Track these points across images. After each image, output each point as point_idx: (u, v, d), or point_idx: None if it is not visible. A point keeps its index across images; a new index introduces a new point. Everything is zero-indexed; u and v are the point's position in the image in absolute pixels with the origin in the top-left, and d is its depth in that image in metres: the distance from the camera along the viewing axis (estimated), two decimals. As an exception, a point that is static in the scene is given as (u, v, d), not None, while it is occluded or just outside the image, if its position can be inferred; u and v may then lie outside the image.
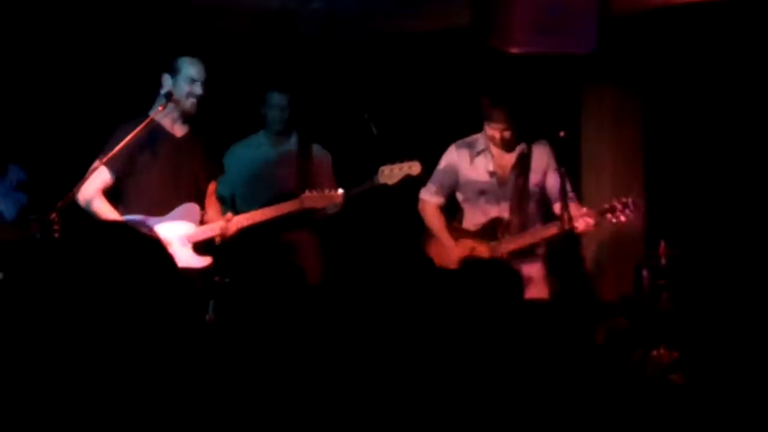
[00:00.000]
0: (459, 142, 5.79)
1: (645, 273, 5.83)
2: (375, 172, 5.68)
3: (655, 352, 5.41)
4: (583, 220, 5.43)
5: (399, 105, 6.79)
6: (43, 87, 6.39)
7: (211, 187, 5.56)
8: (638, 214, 5.60)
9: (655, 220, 6.54)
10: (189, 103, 5.32)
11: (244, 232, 5.54)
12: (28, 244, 4.20)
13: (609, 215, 5.50)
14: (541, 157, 5.70)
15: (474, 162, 5.71)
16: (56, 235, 4.88)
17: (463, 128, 5.98)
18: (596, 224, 5.54)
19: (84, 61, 6.43)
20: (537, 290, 5.56)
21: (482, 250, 5.59)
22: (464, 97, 6.17)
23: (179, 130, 5.45)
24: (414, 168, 5.65)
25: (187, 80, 5.28)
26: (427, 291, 2.85)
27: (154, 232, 5.05)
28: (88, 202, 5.28)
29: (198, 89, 5.29)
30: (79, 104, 6.46)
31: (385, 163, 5.63)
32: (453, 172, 5.76)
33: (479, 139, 5.73)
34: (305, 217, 5.92)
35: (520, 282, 3.87)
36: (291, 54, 6.58)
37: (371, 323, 2.79)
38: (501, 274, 3.82)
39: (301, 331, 3.08)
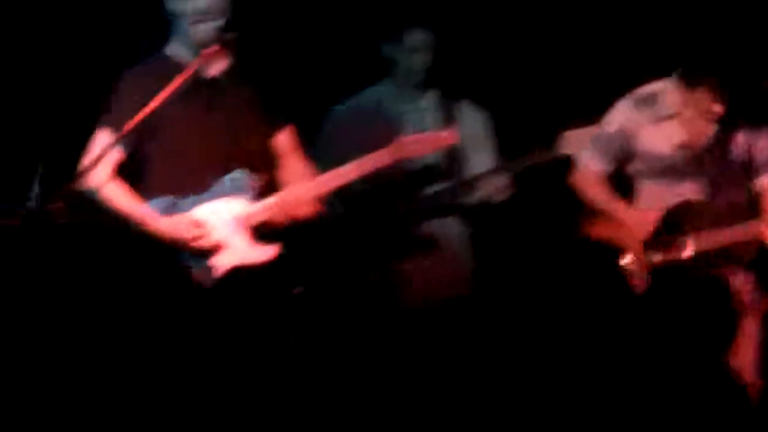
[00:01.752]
0: (635, 96, 4.66)
1: None
2: (552, 138, 4.69)
3: None
4: None
5: (573, 42, 5.55)
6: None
7: (287, 139, 4.40)
8: None
9: None
10: (199, 31, 4.16)
11: (353, 217, 4.71)
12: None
13: None
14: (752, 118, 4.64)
15: (658, 127, 4.63)
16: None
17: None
18: None
19: None
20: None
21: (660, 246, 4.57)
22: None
23: (213, 68, 4.27)
24: None
25: (193, 12, 4.15)
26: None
27: (189, 223, 4.16)
28: (95, 189, 4.21)
29: (209, 28, 4.14)
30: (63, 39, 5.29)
31: (567, 126, 4.67)
32: (625, 137, 4.67)
33: (664, 94, 4.59)
34: (449, 203, 4.90)
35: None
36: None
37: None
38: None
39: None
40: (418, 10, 5.00)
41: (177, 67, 4.12)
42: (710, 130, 4.60)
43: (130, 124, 4.00)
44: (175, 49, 4.23)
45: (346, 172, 4.30)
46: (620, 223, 4.63)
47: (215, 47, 4.13)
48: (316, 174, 4.37)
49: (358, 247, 4.78)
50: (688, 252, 4.50)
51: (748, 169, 4.61)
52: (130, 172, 4.27)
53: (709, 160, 4.60)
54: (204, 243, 4.08)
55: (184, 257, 4.10)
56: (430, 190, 4.81)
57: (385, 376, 4.70)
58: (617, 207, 4.65)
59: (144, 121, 4.04)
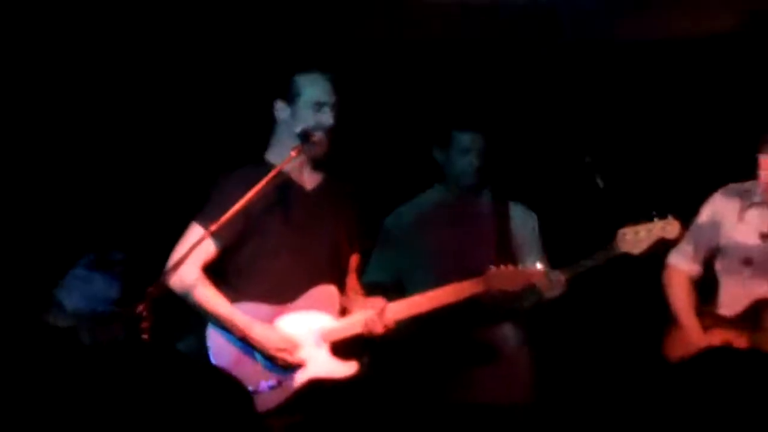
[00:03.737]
0: (729, 187, 4.74)
1: None
2: (610, 237, 4.53)
3: None
4: None
5: (637, 141, 5.54)
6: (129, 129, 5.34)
7: (354, 261, 4.42)
8: None
9: None
10: (318, 138, 4.20)
11: (418, 328, 4.46)
12: (107, 353, 3.72)
13: None
14: None
15: (744, 218, 4.66)
16: (144, 336, 3.79)
17: (735, 174, 4.80)
18: None
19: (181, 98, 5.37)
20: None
21: (741, 343, 4.56)
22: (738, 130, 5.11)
23: (310, 180, 4.31)
24: (670, 228, 4.50)
25: (309, 106, 4.17)
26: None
27: (281, 337, 4.13)
28: (184, 285, 4.11)
29: (327, 118, 4.17)
30: (169, 149, 5.38)
31: (624, 224, 4.52)
32: (716, 228, 4.71)
33: (756, 187, 4.65)
34: (509, 307, 4.69)
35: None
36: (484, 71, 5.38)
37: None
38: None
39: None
40: (467, 112, 4.93)
41: (278, 176, 4.09)
42: None
43: (221, 221, 3.94)
44: (274, 156, 4.19)
45: (435, 298, 4.26)
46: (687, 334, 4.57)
47: (300, 148, 4.08)
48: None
49: (422, 358, 4.64)
50: None
51: None
52: (218, 273, 4.17)
53: None
54: (288, 359, 4.03)
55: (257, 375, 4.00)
56: (482, 298, 4.57)
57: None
58: (687, 319, 4.60)
59: (238, 223, 4.04)
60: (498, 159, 4.89)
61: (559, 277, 4.56)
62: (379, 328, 4.14)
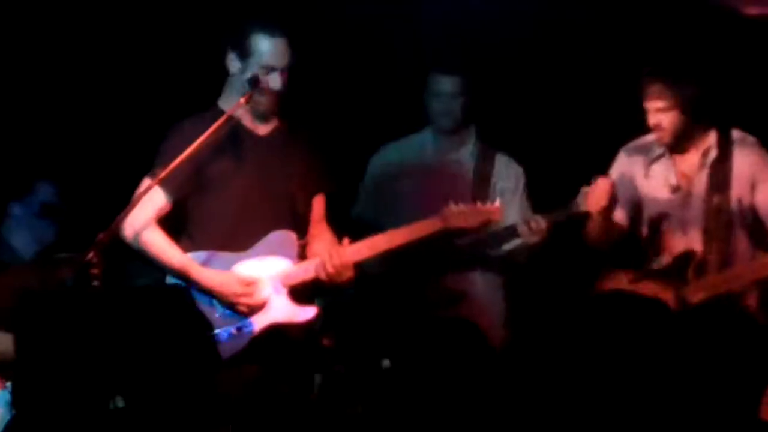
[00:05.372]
0: (630, 145, 4.60)
1: None
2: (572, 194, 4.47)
3: None
4: None
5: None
6: (77, 75, 5.20)
7: (319, 206, 4.28)
8: None
9: None
10: (264, 99, 4.10)
11: (385, 273, 4.57)
12: (54, 295, 3.67)
13: None
14: (745, 161, 4.43)
15: (650, 172, 4.53)
16: (96, 282, 3.83)
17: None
18: None
19: (128, 38, 5.21)
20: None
21: (667, 297, 4.31)
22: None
23: (263, 127, 4.20)
24: None
25: (259, 68, 4.04)
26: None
27: (239, 280, 4.09)
28: (137, 237, 4.09)
29: (274, 82, 4.06)
30: (123, 97, 5.23)
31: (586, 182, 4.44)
32: (629, 184, 4.56)
33: (654, 141, 4.52)
34: (479, 253, 4.69)
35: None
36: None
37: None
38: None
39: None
40: (443, 54, 4.89)
41: (228, 121, 4.05)
42: (695, 163, 4.45)
43: (168, 169, 3.92)
44: (227, 103, 4.12)
45: (392, 238, 4.18)
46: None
47: (250, 94, 4.02)
48: (340, 241, 4.20)
49: (391, 300, 4.67)
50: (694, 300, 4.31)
51: (754, 220, 4.43)
52: (173, 223, 4.15)
53: (703, 206, 4.43)
54: (249, 301, 4.03)
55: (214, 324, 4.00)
56: (459, 242, 4.60)
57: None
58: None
59: (189, 173, 4.01)
60: (483, 105, 4.77)
61: (540, 223, 4.50)
62: (335, 270, 4.08)
